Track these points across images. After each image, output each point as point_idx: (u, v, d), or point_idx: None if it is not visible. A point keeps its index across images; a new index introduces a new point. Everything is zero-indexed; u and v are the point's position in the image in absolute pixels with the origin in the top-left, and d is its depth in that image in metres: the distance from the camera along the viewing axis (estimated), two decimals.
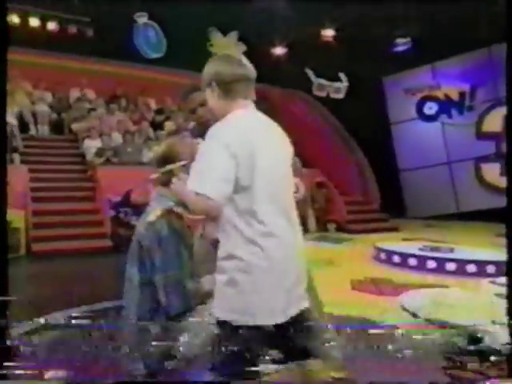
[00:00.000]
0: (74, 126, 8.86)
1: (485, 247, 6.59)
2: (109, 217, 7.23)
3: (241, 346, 1.62)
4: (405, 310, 2.09)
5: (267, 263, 1.60)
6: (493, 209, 9.42)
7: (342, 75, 10.78)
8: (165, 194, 2.03)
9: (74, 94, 9.80)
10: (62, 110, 9.22)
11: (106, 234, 7.11)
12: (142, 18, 10.18)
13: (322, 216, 8.88)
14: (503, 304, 1.82)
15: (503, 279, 2.02)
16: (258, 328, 1.62)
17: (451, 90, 10.08)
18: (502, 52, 8.33)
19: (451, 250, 5.82)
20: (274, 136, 1.81)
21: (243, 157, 1.58)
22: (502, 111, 9.64)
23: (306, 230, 8.71)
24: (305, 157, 10.09)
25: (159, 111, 9.98)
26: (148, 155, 8.39)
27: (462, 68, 9.98)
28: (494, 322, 1.83)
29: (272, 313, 1.63)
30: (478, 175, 9.90)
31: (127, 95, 10.02)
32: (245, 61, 1.85)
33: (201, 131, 2.84)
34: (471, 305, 1.86)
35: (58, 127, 8.99)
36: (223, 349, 1.62)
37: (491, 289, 1.98)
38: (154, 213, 1.95)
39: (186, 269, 1.94)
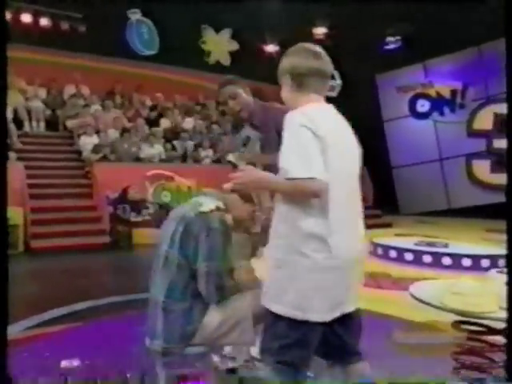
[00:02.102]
0: (69, 123, 8.82)
1: (477, 242, 6.76)
2: (107, 213, 7.25)
3: (296, 340, 1.62)
4: (416, 299, 2.17)
5: (334, 262, 1.60)
6: (483, 205, 9.64)
7: (335, 73, 10.90)
8: (219, 197, 2.13)
9: (69, 90, 9.75)
10: (56, 107, 9.18)
11: (104, 230, 7.12)
12: (134, 15, 10.19)
13: None
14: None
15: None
16: (315, 324, 1.62)
17: (443, 87, 10.25)
18: (491, 51, 8.51)
19: (446, 245, 5.95)
20: (348, 134, 1.79)
21: (327, 145, 1.59)
22: (492, 109, 9.85)
23: None
24: None
25: (153, 108, 9.98)
26: (145, 151, 8.42)
27: (453, 66, 10.14)
28: (503, 309, 1.93)
29: (331, 309, 1.63)
30: (469, 172, 10.09)
31: (122, 92, 10.01)
32: (323, 55, 1.77)
33: (234, 122, 2.95)
34: (482, 293, 1.95)
35: (52, 124, 8.95)
36: (278, 343, 1.63)
37: (500, 277, 2.08)
38: (207, 205, 2.03)
39: (228, 264, 2.02)
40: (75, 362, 2.94)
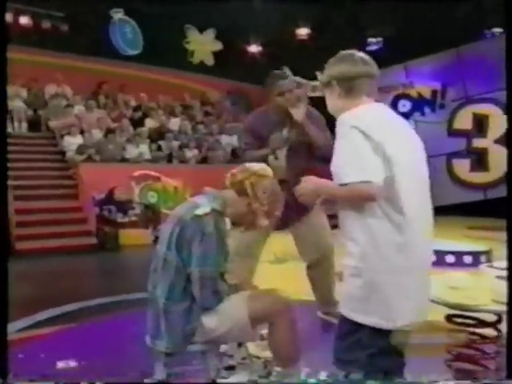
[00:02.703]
0: (52, 123, 8.72)
1: (459, 239, 6.93)
2: (93, 214, 7.20)
3: (382, 349, 1.57)
4: None
5: (412, 263, 1.56)
6: (464, 203, 9.87)
7: (318, 74, 11.02)
8: (216, 196, 2.11)
9: (50, 90, 9.62)
10: (37, 107, 9.06)
11: (90, 231, 7.07)
12: (117, 14, 10.10)
13: None
14: (503, 285, 2.02)
15: (500, 263, 2.22)
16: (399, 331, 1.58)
17: (423, 88, 10.45)
18: (469, 53, 8.70)
19: None
20: (407, 131, 1.74)
21: (384, 145, 1.53)
22: (471, 109, 10.09)
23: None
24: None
25: (137, 108, 9.93)
26: (131, 152, 8.38)
27: (433, 67, 10.35)
28: (495, 302, 2.02)
29: (419, 313, 1.60)
30: (450, 171, 10.32)
31: (106, 92, 9.92)
32: (367, 58, 1.77)
33: (279, 116, 3.05)
34: (476, 287, 2.04)
35: (34, 124, 8.83)
36: (364, 353, 1.57)
37: (491, 272, 2.17)
38: (203, 208, 2.01)
39: (221, 268, 2.04)
40: (71, 363, 2.95)
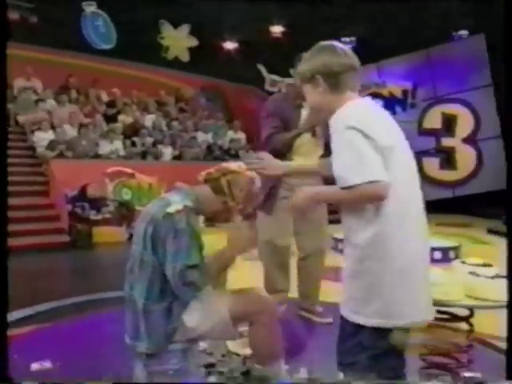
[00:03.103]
0: (21, 118, 8.49)
1: (429, 235, 7.14)
2: (66, 211, 7.06)
3: (385, 350, 1.55)
4: None
5: (413, 261, 1.54)
6: (433, 200, 10.15)
7: (292, 71, 11.09)
8: (189, 192, 2.10)
9: (19, 83, 9.35)
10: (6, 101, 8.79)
11: (63, 229, 6.93)
12: (89, 7, 9.88)
13: None
14: (476, 281, 2.11)
15: (473, 259, 2.31)
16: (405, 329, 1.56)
17: (395, 88, 10.67)
18: (438, 54, 8.97)
19: None
20: (396, 126, 1.66)
21: (381, 143, 1.49)
22: (440, 109, 10.38)
23: None
24: (260, 151, 10.31)
25: (110, 104, 9.77)
26: (104, 148, 8.25)
27: (404, 68, 10.59)
28: (468, 297, 2.11)
29: (417, 313, 1.57)
30: (420, 169, 10.54)
31: (77, 87, 9.72)
32: (349, 51, 1.66)
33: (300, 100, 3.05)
34: (449, 283, 2.12)
35: None
36: (365, 354, 1.55)
37: (464, 268, 2.26)
38: (175, 205, 1.99)
39: (194, 261, 2.00)
40: (46, 364, 2.91)
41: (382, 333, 1.54)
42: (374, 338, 1.54)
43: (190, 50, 10.61)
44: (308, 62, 1.67)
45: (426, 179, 10.56)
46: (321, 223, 3.38)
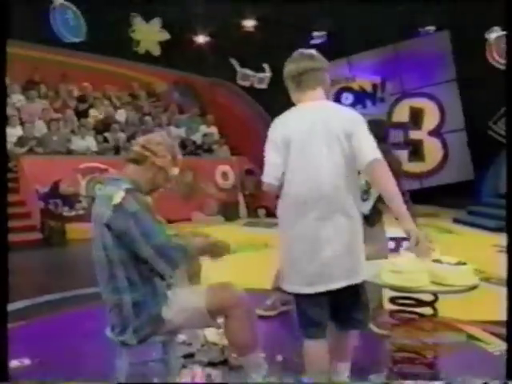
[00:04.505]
0: None
1: (397, 225, 7.38)
2: (38, 208, 6.96)
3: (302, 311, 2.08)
4: None
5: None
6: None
7: (265, 65, 11.15)
8: (121, 178, 2.12)
9: None
10: None
11: (35, 226, 6.84)
12: None
13: (252, 202, 9.23)
14: (441, 267, 2.26)
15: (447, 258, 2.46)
16: (311, 296, 2.02)
17: (365, 82, 10.88)
18: (405, 49, 9.15)
19: None
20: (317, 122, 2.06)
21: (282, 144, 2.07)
22: (408, 103, 10.66)
23: (236, 216, 9.05)
24: (233, 145, 10.39)
25: (81, 99, 9.61)
26: (76, 144, 8.15)
27: (373, 62, 10.79)
28: (434, 283, 2.26)
29: (311, 283, 2.03)
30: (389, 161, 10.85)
31: (46, 81, 9.50)
32: (313, 53, 2.15)
33: None
34: (416, 270, 2.26)
35: None
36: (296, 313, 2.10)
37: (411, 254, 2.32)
38: (117, 195, 2.00)
39: (166, 232, 2.06)
40: (25, 361, 2.93)
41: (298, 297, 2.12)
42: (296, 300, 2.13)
43: (162, 44, 10.53)
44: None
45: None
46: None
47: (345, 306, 2.12)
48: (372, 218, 3.11)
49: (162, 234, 2.03)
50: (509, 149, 2.05)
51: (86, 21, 9.77)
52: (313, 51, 2.16)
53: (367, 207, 3.01)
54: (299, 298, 2.07)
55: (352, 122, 2.05)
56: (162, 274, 2.09)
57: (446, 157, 10.41)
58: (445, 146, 10.41)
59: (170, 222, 7.80)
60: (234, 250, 6.06)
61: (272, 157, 2.07)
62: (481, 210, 8.42)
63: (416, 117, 10.58)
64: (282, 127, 2.09)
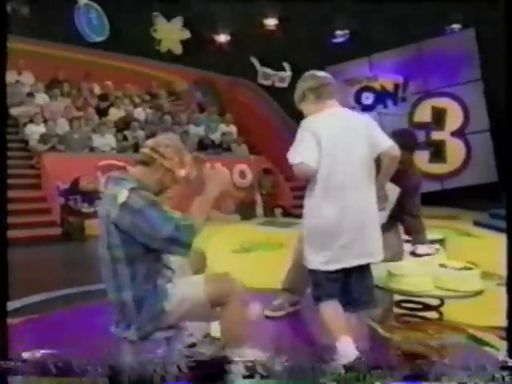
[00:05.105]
0: (14, 111, 8.50)
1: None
2: (58, 204, 7.11)
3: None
4: None
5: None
6: (422, 193, 10.26)
7: (285, 65, 11.13)
8: (126, 177, 2.14)
9: (11, 76, 9.33)
10: None
11: (55, 222, 6.99)
12: None
13: (269, 201, 9.23)
14: (446, 272, 2.22)
15: (424, 248, 2.44)
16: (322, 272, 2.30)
17: (386, 81, 10.73)
18: (429, 48, 8.96)
19: None
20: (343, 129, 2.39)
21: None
22: (430, 103, 10.47)
23: (253, 214, 9.05)
24: (252, 144, 10.40)
25: (103, 97, 9.78)
26: (96, 142, 8.30)
27: (395, 61, 10.64)
28: (438, 288, 2.22)
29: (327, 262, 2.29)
30: None
31: (69, 80, 9.70)
32: (323, 74, 2.54)
33: None
34: (419, 274, 2.23)
35: None
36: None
37: (433, 260, 2.36)
38: (122, 194, 2.03)
39: (172, 218, 2.05)
40: (37, 353, 2.99)
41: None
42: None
43: (183, 42, 10.62)
44: (298, 87, 2.56)
45: None
46: None
47: (353, 286, 2.32)
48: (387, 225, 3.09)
49: (169, 222, 2.02)
50: (508, 150, 2.04)
51: (109, 20, 9.98)
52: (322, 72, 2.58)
53: (385, 215, 2.98)
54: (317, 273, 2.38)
55: (369, 122, 2.50)
56: (178, 255, 2.14)
57: (468, 158, 10.18)
58: (468, 146, 10.18)
59: None
60: (248, 248, 6.02)
61: (309, 143, 2.34)
62: (504, 213, 8.19)
63: (438, 117, 10.38)
64: (313, 126, 2.40)
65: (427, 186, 10.33)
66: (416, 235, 2.80)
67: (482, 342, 3.03)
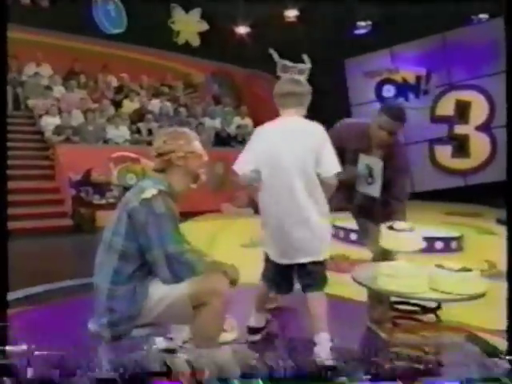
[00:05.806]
0: (31, 102, 8.59)
1: (435, 225, 7.00)
2: (70, 196, 7.15)
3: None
4: (357, 282, 2.27)
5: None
6: (444, 189, 9.93)
7: (305, 57, 10.90)
8: (161, 180, 2.14)
9: (30, 69, 9.44)
10: (16, 85, 8.89)
11: (66, 213, 7.03)
12: None
13: None
14: (442, 273, 2.04)
15: (401, 224, 2.29)
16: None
17: (408, 73, 10.38)
18: (454, 38, 8.58)
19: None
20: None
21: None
22: (454, 96, 10.08)
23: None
24: None
25: (119, 89, 9.79)
26: (111, 133, 8.30)
27: (418, 53, 10.29)
28: (433, 290, 2.05)
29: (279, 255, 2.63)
30: (432, 157, 10.34)
31: (86, 72, 9.75)
32: (299, 78, 2.79)
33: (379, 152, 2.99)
34: (413, 275, 2.06)
35: (14, 102, 8.68)
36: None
37: (431, 260, 2.19)
38: (149, 191, 2.04)
39: (185, 243, 2.07)
40: (24, 347, 2.95)
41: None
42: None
43: (201, 34, 10.52)
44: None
45: (437, 167, 10.35)
46: None
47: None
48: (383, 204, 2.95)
49: (178, 244, 2.03)
50: (509, 148, 1.87)
51: (127, 12, 9.96)
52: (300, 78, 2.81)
53: (376, 189, 2.85)
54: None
55: (323, 139, 2.61)
56: (161, 280, 2.06)
57: (494, 153, 9.75)
58: (494, 141, 9.76)
59: (200, 213, 7.98)
60: (258, 242, 5.92)
61: (252, 152, 2.72)
62: None
63: (462, 110, 9.99)
64: (260, 136, 2.74)
65: (449, 181, 10.03)
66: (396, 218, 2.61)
67: (484, 344, 2.85)
